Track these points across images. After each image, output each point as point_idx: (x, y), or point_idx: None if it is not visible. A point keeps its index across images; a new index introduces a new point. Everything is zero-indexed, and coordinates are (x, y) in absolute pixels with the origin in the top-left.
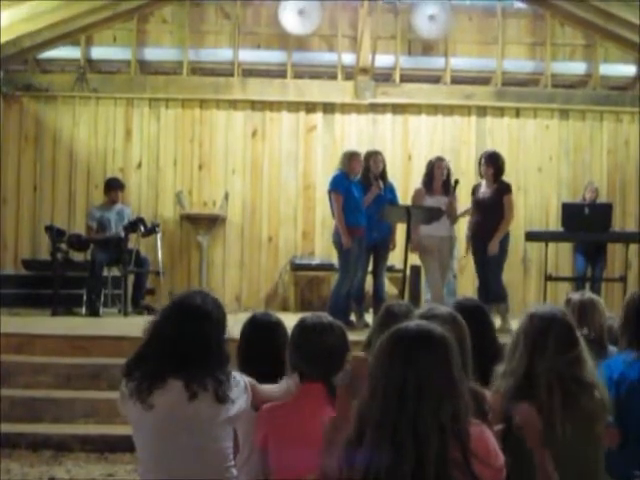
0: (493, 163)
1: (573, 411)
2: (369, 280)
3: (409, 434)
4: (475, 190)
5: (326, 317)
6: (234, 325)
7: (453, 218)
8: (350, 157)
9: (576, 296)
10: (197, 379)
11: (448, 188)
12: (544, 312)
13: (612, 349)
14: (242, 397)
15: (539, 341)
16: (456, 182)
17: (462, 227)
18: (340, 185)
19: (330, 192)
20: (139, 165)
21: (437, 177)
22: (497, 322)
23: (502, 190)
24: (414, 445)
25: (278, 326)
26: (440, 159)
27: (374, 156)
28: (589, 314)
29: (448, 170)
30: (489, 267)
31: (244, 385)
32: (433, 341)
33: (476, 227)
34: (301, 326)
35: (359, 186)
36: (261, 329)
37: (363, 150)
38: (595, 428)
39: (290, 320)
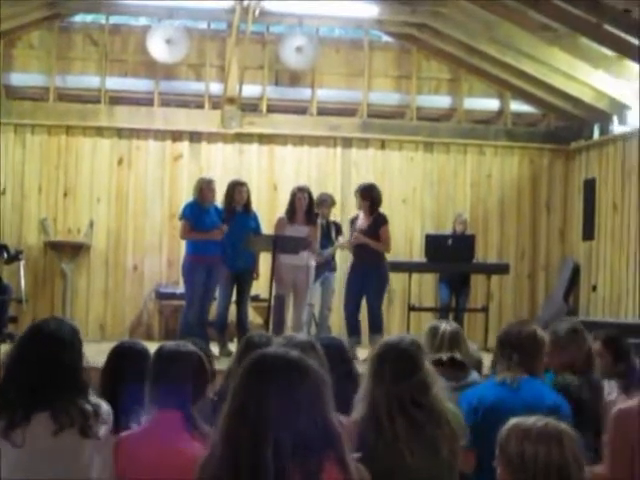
0: (368, 196)
1: (419, 437)
2: (233, 309)
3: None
4: (353, 222)
5: (185, 345)
6: (97, 354)
7: (313, 248)
8: (201, 185)
9: (444, 326)
10: (62, 410)
11: (311, 218)
12: (385, 340)
13: (475, 375)
14: (105, 425)
15: (377, 369)
16: (316, 215)
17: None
18: (189, 213)
19: (179, 219)
20: (3, 191)
21: (298, 207)
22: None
23: (379, 222)
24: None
25: (145, 354)
26: (301, 189)
27: (238, 187)
28: (460, 342)
29: (310, 200)
30: (368, 297)
31: (107, 412)
32: (291, 367)
33: (354, 259)
34: (158, 354)
35: (215, 214)
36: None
37: (228, 179)
38: (443, 454)
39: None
